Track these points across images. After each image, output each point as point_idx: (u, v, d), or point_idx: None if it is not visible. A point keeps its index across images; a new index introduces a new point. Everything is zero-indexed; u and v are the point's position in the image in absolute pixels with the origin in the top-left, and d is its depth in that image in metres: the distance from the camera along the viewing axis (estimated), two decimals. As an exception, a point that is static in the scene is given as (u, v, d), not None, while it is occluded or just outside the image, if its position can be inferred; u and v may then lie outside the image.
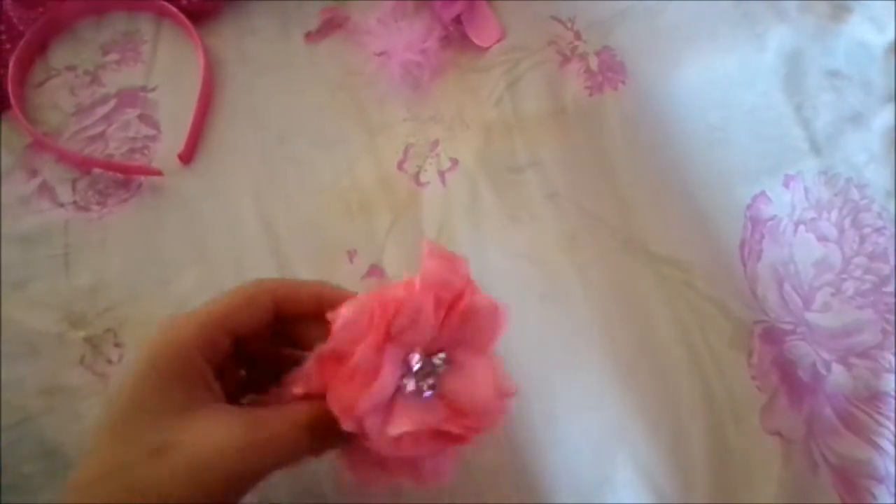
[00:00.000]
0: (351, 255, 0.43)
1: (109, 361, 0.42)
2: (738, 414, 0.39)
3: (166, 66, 0.49)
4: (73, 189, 0.46)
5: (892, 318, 0.42)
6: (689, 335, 0.41)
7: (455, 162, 0.45)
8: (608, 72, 0.47)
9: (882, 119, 0.47)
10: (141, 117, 0.48)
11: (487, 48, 0.48)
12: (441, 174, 0.45)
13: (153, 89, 0.48)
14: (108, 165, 0.45)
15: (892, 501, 0.37)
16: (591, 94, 0.47)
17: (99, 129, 0.47)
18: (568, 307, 0.42)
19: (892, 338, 0.41)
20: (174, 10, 0.48)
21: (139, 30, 0.50)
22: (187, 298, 0.43)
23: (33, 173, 0.46)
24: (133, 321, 0.42)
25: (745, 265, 0.43)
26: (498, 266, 0.43)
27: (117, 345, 0.42)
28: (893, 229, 0.44)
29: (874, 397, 0.40)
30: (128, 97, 0.48)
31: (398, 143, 0.46)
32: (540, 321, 0.42)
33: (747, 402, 0.40)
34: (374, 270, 0.43)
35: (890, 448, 0.39)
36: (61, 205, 0.45)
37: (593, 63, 0.48)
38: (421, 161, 0.45)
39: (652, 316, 0.42)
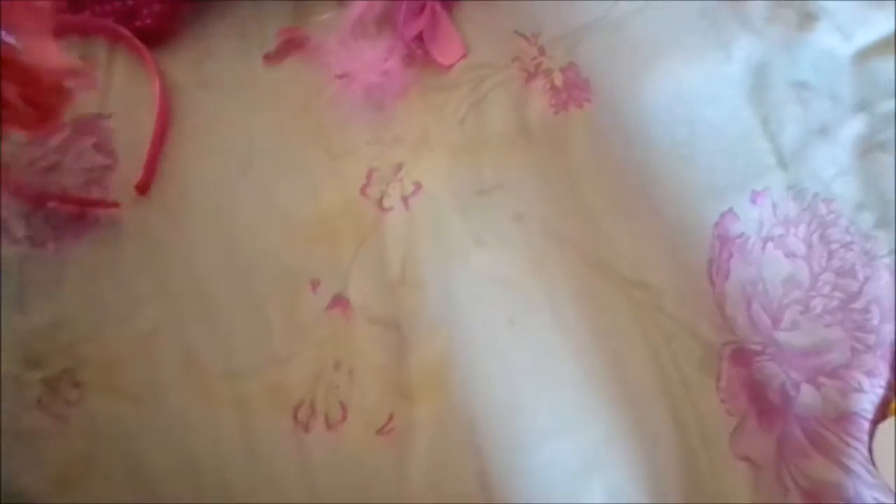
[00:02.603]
0: (314, 284, 0.43)
1: (68, 402, 0.41)
2: (709, 439, 0.39)
3: (122, 91, 0.48)
4: (28, 224, 0.44)
5: (861, 335, 0.42)
6: (659, 359, 0.41)
7: (419, 186, 0.45)
8: (573, 89, 0.47)
9: (849, 130, 0.47)
10: (96, 146, 0.46)
11: (451, 66, 0.48)
12: (405, 199, 0.44)
13: (108, 117, 0.47)
14: (63, 199, 0.44)
15: (862, 525, 0.37)
16: (556, 112, 0.46)
17: (53, 160, 0.46)
18: (537, 332, 0.42)
19: (861, 357, 0.41)
20: (127, 33, 0.47)
21: (92, 55, 0.49)
22: (150, 335, 0.42)
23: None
24: (92, 360, 0.41)
25: (713, 285, 0.43)
26: (465, 291, 0.43)
27: (76, 385, 0.41)
28: (861, 244, 0.44)
29: (843, 418, 0.40)
30: (83, 126, 0.47)
31: (361, 167, 0.45)
32: (509, 347, 0.42)
33: (717, 427, 0.39)
34: (339, 301, 0.42)
35: (859, 470, 0.39)
36: (15, 241, 0.44)
37: (558, 80, 0.47)
38: (384, 186, 0.45)
39: (622, 340, 0.41)
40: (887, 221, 0.44)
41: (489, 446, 0.40)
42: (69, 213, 0.44)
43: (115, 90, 0.48)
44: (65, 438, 0.40)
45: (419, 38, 0.47)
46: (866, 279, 0.43)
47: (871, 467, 0.38)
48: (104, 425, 0.40)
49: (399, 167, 0.45)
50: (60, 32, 0.46)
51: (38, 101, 0.36)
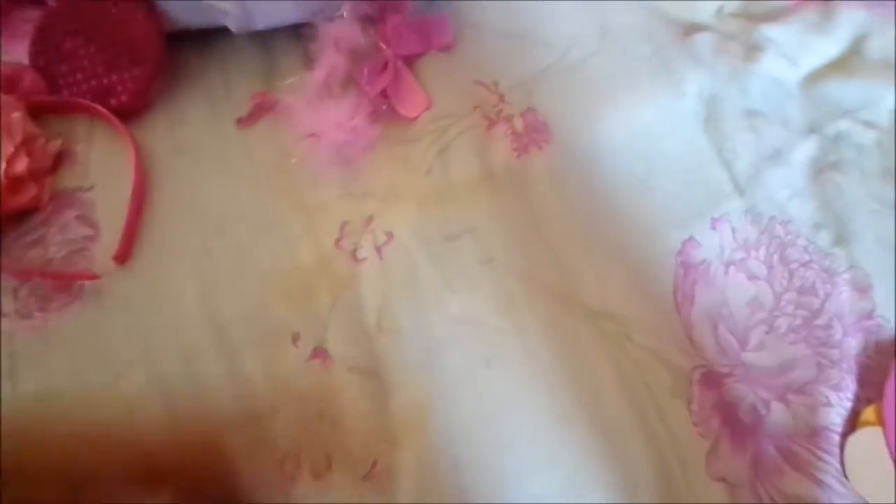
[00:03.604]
0: (295, 338, 0.44)
1: (61, 469, 0.42)
2: (685, 463, 0.40)
3: (102, 164, 0.50)
4: (15, 297, 0.46)
5: (825, 350, 0.43)
6: (632, 389, 0.42)
7: (390, 235, 0.46)
8: (533, 132, 0.49)
9: (802, 153, 0.49)
10: (79, 218, 0.48)
11: (415, 118, 0.50)
12: (377, 249, 0.46)
13: (90, 189, 0.49)
14: (44, 274, 0.46)
15: (839, 537, 0.38)
16: (518, 156, 0.48)
17: (38, 234, 0.48)
18: (512, 370, 0.43)
19: (827, 372, 0.42)
20: (103, 110, 0.49)
21: (73, 130, 0.51)
22: (136, 399, 0.43)
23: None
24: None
25: (679, 312, 0.44)
26: (440, 335, 0.44)
27: (68, 452, 0.42)
28: (820, 262, 0.45)
29: (814, 433, 0.41)
30: (65, 198, 0.49)
31: (334, 222, 0.47)
32: (486, 386, 0.43)
33: (692, 450, 0.40)
34: (319, 352, 0.43)
35: (833, 483, 0.39)
36: (4, 314, 0.45)
37: (518, 125, 0.49)
38: (357, 237, 0.46)
39: (594, 372, 0.43)
40: (844, 238, 0.46)
41: (474, 485, 0.41)
42: (55, 285, 0.46)
43: (95, 163, 0.50)
44: (58, 505, 0.41)
45: (383, 93, 0.49)
46: (827, 296, 0.44)
47: (843, 479, 0.39)
48: (96, 490, 0.41)
49: (370, 219, 0.47)
50: (40, 112, 0.49)
51: None
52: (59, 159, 0.50)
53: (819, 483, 0.39)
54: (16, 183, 0.47)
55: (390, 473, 0.41)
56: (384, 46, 0.50)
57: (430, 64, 0.51)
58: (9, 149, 0.47)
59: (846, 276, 0.45)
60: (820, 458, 0.40)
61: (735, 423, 0.41)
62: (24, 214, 0.48)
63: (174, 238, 0.47)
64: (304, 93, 0.49)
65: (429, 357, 0.43)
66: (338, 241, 0.46)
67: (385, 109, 0.50)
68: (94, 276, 0.46)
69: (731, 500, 0.39)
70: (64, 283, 0.46)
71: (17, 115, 0.48)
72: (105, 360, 0.44)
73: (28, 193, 0.47)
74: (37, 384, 0.44)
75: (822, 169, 0.48)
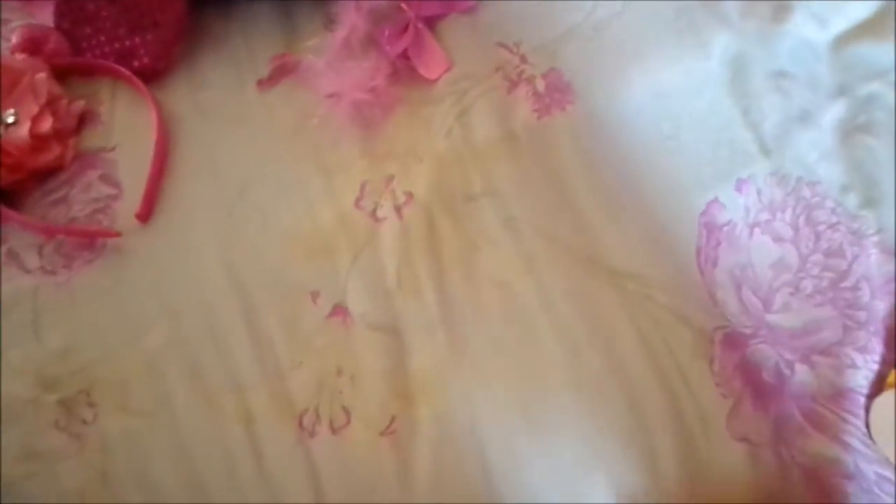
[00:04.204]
0: (314, 296, 0.44)
1: (84, 422, 0.42)
2: (707, 423, 0.40)
3: (124, 125, 0.50)
4: (40, 254, 0.46)
5: (852, 312, 0.42)
6: (652, 349, 0.41)
7: (410, 196, 0.46)
8: (555, 93, 0.48)
9: (831, 115, 0.48)
10: (102, 178, 0.49)
11: (436, 80, 0.49)
12: (397, 209, 0.46)
13: (112, 149, 0.49)
14: (68, 231, 0.46)
15: (864, 500, 0.37)
16: (539, 118, 0.48)
17: (62, 193, 0.48)
18: (532, 330, 0.43)
19: (854, 334, 0.41)
20: (126, 72, 0.49)
21: (97, 92, 0.51)
22: (158, 354, 0.43)
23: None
24: (105, 381, 0.43)
25: (702, 273, 0.43)
26: (460, 294, 0.44)
27: (90, 405, 0.43)
28: (848, 224, 0.44)
29: (839, 395, 0.40)
30: (88, 159, 0.49)
31: (354, 182, 0.47)
32: (505, 346, 0.42)
33: (713, 410, 0.40)
34: (339, 310, 0.44)
35: (858, 445, 0.39)
36: (28, 271, 0.46)
37: (540, 86, 0.49)
38: (377, 197, 0.46)
39: (615, 332, 0.42)
40: (873, 201, 0.45)
41: (491, 444, 0.41)
42: (79, 243, 0.46)
43: (118, 124, 0.50)
44: (81, 457, 0.42)
45: (404, 54, 0.49)
46: (855, 258, 0.43)
47: (869, 442, 0.39)
48: (118, 443, 0.42)
49: (390, 179, 0.47)
50: (64, 74, 0.50)
51: None
52: (83, 120, 0.50)
53: (844, 445, 0.39)
54: (40, 142, 0.47)
55: (408, 430, 0.41)
56: (405, 7, 0.49)
57: (452, 25, 0.51)
58: (33, 109, 0.47)
59: (875, 238, 0.44)
60: (845, 420, 0.39)
61: (758, 383, 0.41)
62: (48, 173, 0.48)
63: (195, 198, 0.48)
64: (324, 54, 0.49)
65: (448, 316, 0.43)
66: (357, 200, 0.46)
67: (406, 71, 0.49)
68: (117, 234, 0.46)
69: (753, 460, 0.38)
70: (87, 241, 0.46)
71: (41, 77, 0.48)
72: (127, 316, 0.45)
73: (52, 153, 0.48)
74: (62, 339, 0.44)
75: (851, 131, 0.47)
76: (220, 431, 0.42)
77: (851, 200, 0.45)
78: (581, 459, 0.40)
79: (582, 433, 0.40)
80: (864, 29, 0.50)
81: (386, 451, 0.40)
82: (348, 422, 0.41)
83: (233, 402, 0.42)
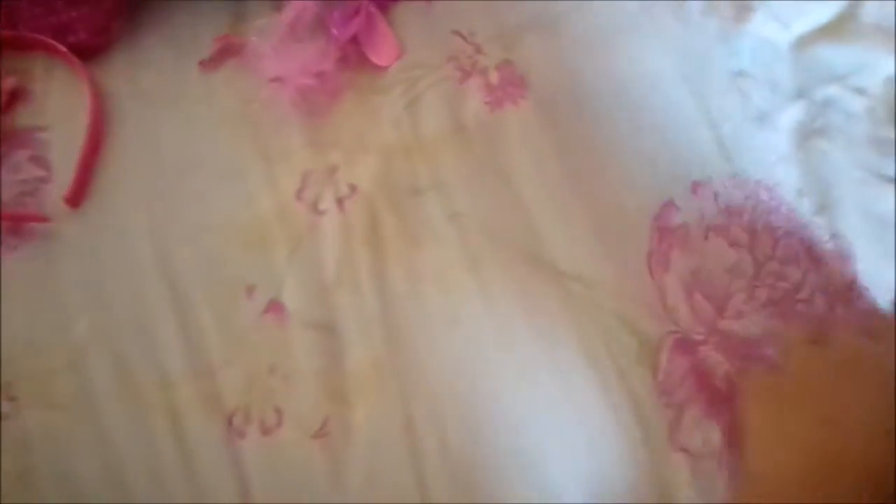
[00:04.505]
0: (250, 290, 0.42)
1: (4, 416, 0.40)
2: (649, 432, 0.39)
3: (59, 104, 0.48)
4: (-38, 238, 0.44)
5: (804, 326, 0.41)
6: (595, 354, 0.40)
7: (354, 188, 0.44)
8: (508, 86, 0.47)
9: (789, 117, 0.47)
10: (32, 159, 0.46)
11: (386, 67, 0.47)
12: (340, 201, 0.44)
13: (44, 129, 0.47)
14: (-8, 213, 0.44)
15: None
16: (491, 111, 0.46)
17: (-12, 174, 0.46)
18: (473, 330, 0.41)
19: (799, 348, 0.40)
20: (61, 48, 0.47)
21: (30, 68, 0.49)
22: (84, 347, 0.41)
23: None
24: (27, 373, 0.41)
25: (653, 276, 0.42)
26: (402, 292, 0.42)
27: (11, 398, 0.40)
28: (802, 231, 0.43)
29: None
30: (18, 138, 0.47)
31: (296, 171, 0.45)
32: (446, 346, 0.41)
33: (656, 420, 0.39)
34: (274, 305, 0.42)
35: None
36: (-49, 255, 0.44)
37: (493, 78, 0.47)
38: (319, 189, 0.44)
39: (558, 335, 0.41)
40: (826, 206, 0.44)
41: (427, 448, 0.39)
42: (4, 227, 0.44)
43: (51, 103, 0.48)
44: (0, 452, 0.40)
45: (354, 39, 0.47)
46: (809, 266, 0.43)
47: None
48: (38, 438, 0.40)
49: (334, 170, 0.45)
50: (-3, 48, 0.47)
51: None
52: (14, 97, 0.48)
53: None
54: (-34, 120, 0.45)
55: (341, 432, 0.39)
56: (357, -10, 0.47)
57: (406, 11, 0.49)
58: (-41, 84, 0.45)
59: (828, 245, 0.43)
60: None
61: (709, 390, 0.40)
62: (-27, 153, 0.46)
63: (130, 183, 0.45)
64: (270, 36, 0.47)
65: (388, 314, 0.41)
66: (299, 191, 0.44)
67: (355, 57, 0.47)
68: (46, 219, 0.44)
69: (693, 471, 0.38)
70: (14, 225, 0.44)
71: (-31, 50, 0.46)
72: (55, 306, 0.42)
73: (-21, 131, 0.45)
74: (-15, 329, 0.42)
75: (808, 134, 0.47)
76: (145, 429, 0.40)
77: (805, 206, 0.44)
78: (520, 463, 0.39)
79: (525, 436, 0.39)
80: (825, 31, 0.49)
81: (318, 454, 0.39)
82: (280, 423, 0.39)
83: (159, 397, 0.40)
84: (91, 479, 0.39)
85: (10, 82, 0.47)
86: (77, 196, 0.44)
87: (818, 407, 0.35)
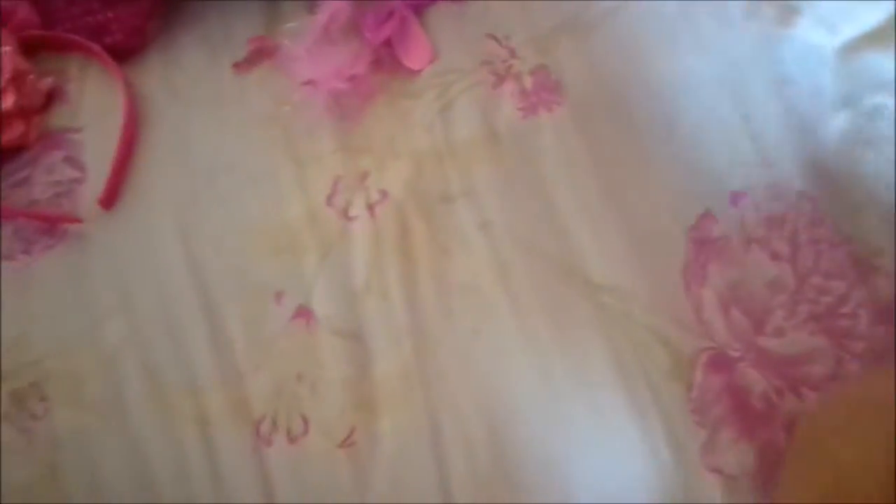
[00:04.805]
0: (278, 296, 0.42)
1: (34, 417, 0.41)
2: (679, 451, 0.38)
3: (93, 105, 0.48)
4: (-2, 238, 0.44)
5: (848, 343, 0.40)
6: (627, 369, 0.39)
7: (385, 194, 0.44)
8: (542, 92, 0.46)
9: (834, 126, 0.45)
10: (66, 159, 0.47)
11: (419, 71, 0.47)
12: (370, 207, 0.43)
13: (79, 130, 0.47)
14: (28, 215, 0.44)
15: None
16: (524, 117, 0.45)
17: (24, 174, 0.46)
18: (501, 341, 0.41)
19: (847, 367, 0.39)
20: (97, 49, 0.47)
21: (66, 68, 0.49)
22: (114, 349, 0.41)
23: (-44, 223, 0.45)
24: (59, 374, 0.41)
25: (688, 290, 0.41)
26: (431, 301, 0.41)
27: (42, 399, 0.41)
28: (848, 244, 0.42)
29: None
30: (54, 138, 0.47)
31: (327, 176, 0.45)
32: (473, 356, 0.40)
33: (687, 439, 0.38)
34: (303, 312, 0.41)
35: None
36: (-15, 254, 0.44)
37: (527, 83, 0.46)
38: (350, 194, 0.44)
39: (588, 349, 0.40)
40: (871, 220, 0.42)
41: (452, 458, 0.39)
42: (39, 227, 0.44)
43: (87, 103, 0.48)
44: (30, 452, 0.40)
45: (387, 43, 0.47)
46: (854, 281, 0.41)
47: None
48: (68, 440, 0.40)
49: (365, 175, 0.44)
50: (33, 48, 0.47)
51: None
52: (50, 98, 0.48)
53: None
54: (3, 119, 0.45)
55: (367, 441, 0.39)
56: (391, -8, 0.47)
57: (440, 14, 0.48)
58: (-3, 84, 0.45)
59: (876, 261, 0.42)
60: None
61: (745, 409, 0.38)
62: (10, 152, 0.46)
63: (162, 185, 0.45)
64: (304, 38, 0.46)
65: (416, 323, 0.41)
66: (329, 196, 0.44)
67: (388, 60, 0.47)
68: (78, 220, 0.44)
69: (727, 492, 0.36)
70: (48, 226, 0.44)
71: (7, 50, 0.46)
72: (85, 307, 0.43)
73: (16, 131, 0.46)
74: (15, 329, 0.42)
75: (853, 145, 0.45)
76: (173, 433, 0.40)
77: (851, 219, 0.43)
78: (545, 478, 0.38)
79: (548, 449, 0.38)
80: (873, 37, 0.47)
81: (343, 464, 0.39)
82: (306, 431, 0.39)
83: (188, 403, 0.40)
84: (118, 480, 0.39)
85: (46, 82, 0.48)
86: (110, 198, 0.45)
87: (862, 432, 0.34)
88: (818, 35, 0.47)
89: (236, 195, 0.45)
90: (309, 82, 0.46)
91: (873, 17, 0.47)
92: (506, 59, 0.47)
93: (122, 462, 0.39)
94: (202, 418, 0.40)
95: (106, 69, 0.48)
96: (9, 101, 0.45)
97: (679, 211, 0.43)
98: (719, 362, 0.40)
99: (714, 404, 0.39)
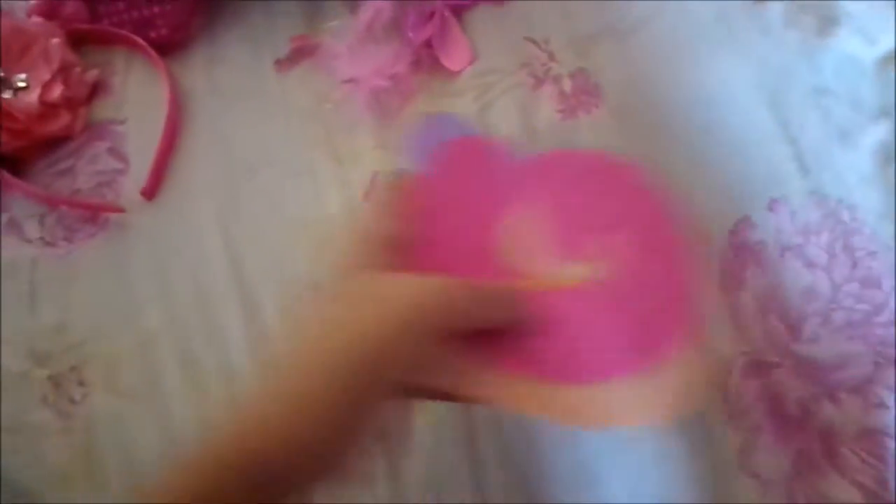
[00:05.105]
0: (315, 289, 0.42)
1: (72, 401, 0.41)
2: (716, 455, 0.37)
3: (137, 98, 0.49)
4: (41, 225, 0.45)
5: (884, 350, 0.39)
6: (664, 370, 0.39)
7: (422, 191, 0.44)
8: (582, 94, 0.46)
9: (872, 137, 0.45)
10: (110, 150, 0.47)
11: (459, 72, 0.47)
12: (408, 205, 0.44)
13: (123, 122, 0.48)
14: (71, 203, 0.45)
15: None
16: (563, 119, 0.45)
17: (68, 164, 0.47)
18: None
19: (885, 371, 0.39)
20: (142, 43, 0.48)
21: (111, 61, 0.50)
22: (152, 336, 0.42)
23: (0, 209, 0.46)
24: (97, 359, 0.42)
25: (726, 295, 0.41)
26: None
27: (81, 383, 0.41)
28: (885, 255, 0.42)
29: (864, 435, 0.37)
30: (98, 130, 0.48)
31: (366, 172, 0.45)
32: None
33: (724, 443, 0.38)
34: (339, 305, 0.42)
35: (877, 489, 0.36)
36: (29, 241, 0.45)
37: (566, 85, 0.46)
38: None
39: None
40: (911, 232, 0.42)
41: (486, 457, 0.39)
42: (81, 215, 0.45)
43: (130, 96, 0.49)
44: (68, 436, 0.40)
45: (428, 43, 0.47)
46: (891, 290, 0.41)
47: (890, 488, 0.36)
48: (106, 424, 0.41)
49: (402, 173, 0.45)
50: (80, 41, 0.48)
51: None
52: (95, 90, 0.49)
53: (862, 489, 0.36)
54: (49, 110, 0.46)
55: (402, 438, 0.39)
56: (433, -7, 0.48)
57: (480, 16, 0.49)
58: (45, 75, 0.46)
59: (915, 272, 0.41)
60: (866, 462, 0.37)
61: (781, 416, 0.38)
62: (55, 142, 0.47)
63: (203, 178, 0.46)
64: (345, 37, 0.47)
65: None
66: (367, 193, 0.44)
67: (428, 60, 0.47)
68: (121, 210, 0.45)
69: (763, 496, 0.36)
70: (90, 214, 0.45)
71: (55, 42, 0.47)
72: (124, 294, 0.43)
73: (61, 121, 0.47)
74: (56, 314, 0.43)
75: (891, 156, 0.44)
76: (208, 422, 0.40)
77: (888, 230, 0.42)
78: (579, 477, 0.38)
79: (580, 453, 0.38)
80: (915, 50, 0.47)
81: (377, 458, 0.39)
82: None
83: (223, 391, 0.41)
84: (153, 465, 0.40)
85: (92, 74, 0.49)
86: (152, 188, 0.45)
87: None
88: (857, 46, 0.47)
89: (276, 189, 0.45)
90: (350, 80, 0.46)
91: (914, 28, 0.47)
92: (545, 62, 0.47)
93: (157, 446, 0.40)
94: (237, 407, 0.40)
95: (150, 63, 0.49)
96: (55, 93, 0.46)
97: (717, 215, 0.43)
98: (756, 368, 0.40)
99: (750, 410, 0.39)
